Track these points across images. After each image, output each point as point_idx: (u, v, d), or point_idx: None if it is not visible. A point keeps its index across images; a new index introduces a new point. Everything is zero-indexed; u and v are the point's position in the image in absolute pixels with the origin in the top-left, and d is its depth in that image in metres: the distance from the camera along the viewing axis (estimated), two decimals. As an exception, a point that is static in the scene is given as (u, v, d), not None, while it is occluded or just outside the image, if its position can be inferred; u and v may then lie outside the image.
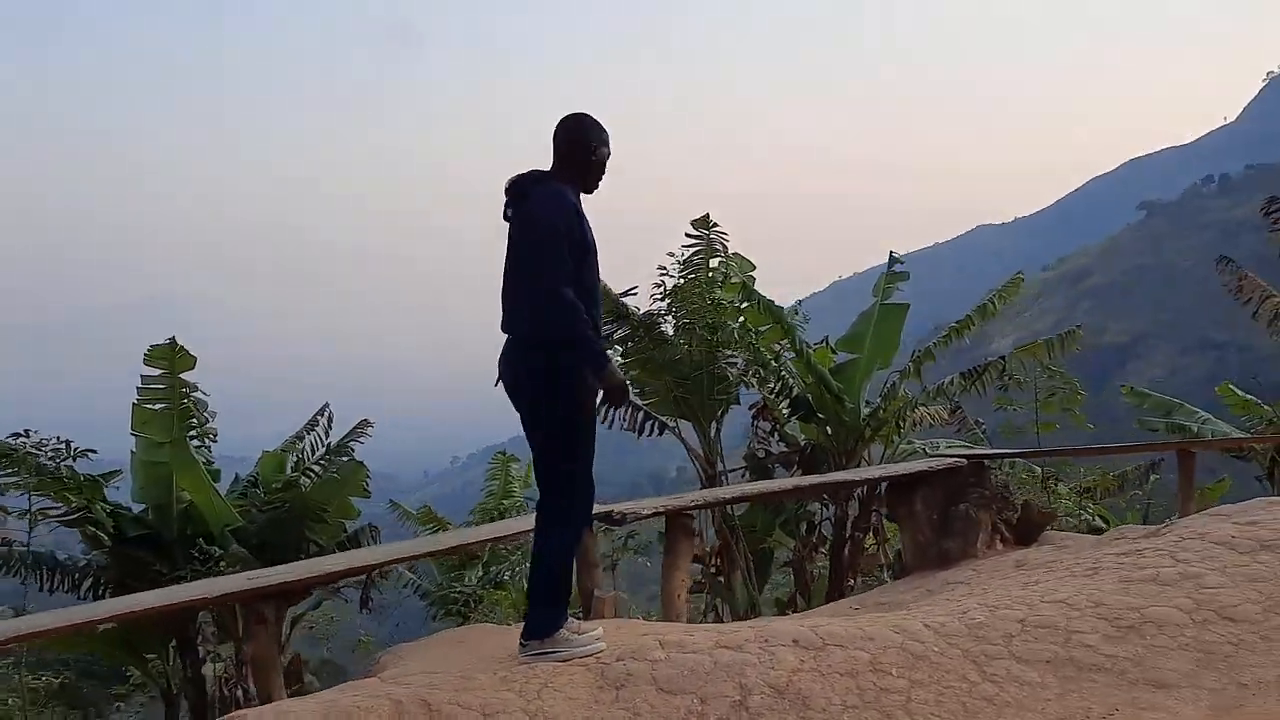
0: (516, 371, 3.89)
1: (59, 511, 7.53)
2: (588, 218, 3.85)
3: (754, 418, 9.93)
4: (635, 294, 8.82)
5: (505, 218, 3.99)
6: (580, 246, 3.72)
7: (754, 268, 9.65)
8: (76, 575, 8.02)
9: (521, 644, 3.97)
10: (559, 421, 3.88)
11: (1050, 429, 8.50)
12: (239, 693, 7.78)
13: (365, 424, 9.08)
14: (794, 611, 8.41)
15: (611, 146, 3.89)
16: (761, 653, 3.77)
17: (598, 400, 3.94)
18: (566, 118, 3.91)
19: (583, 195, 3.88)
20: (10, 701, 9.99)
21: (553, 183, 3.83)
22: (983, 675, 3.65)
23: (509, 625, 5.37)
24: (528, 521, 4.96)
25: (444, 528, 11.92)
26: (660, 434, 9.31)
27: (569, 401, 3.84)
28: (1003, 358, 8.77)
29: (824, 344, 9.58)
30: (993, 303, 8.94)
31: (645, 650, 3.85)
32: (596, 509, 5.31)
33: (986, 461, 6.61)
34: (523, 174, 3.91)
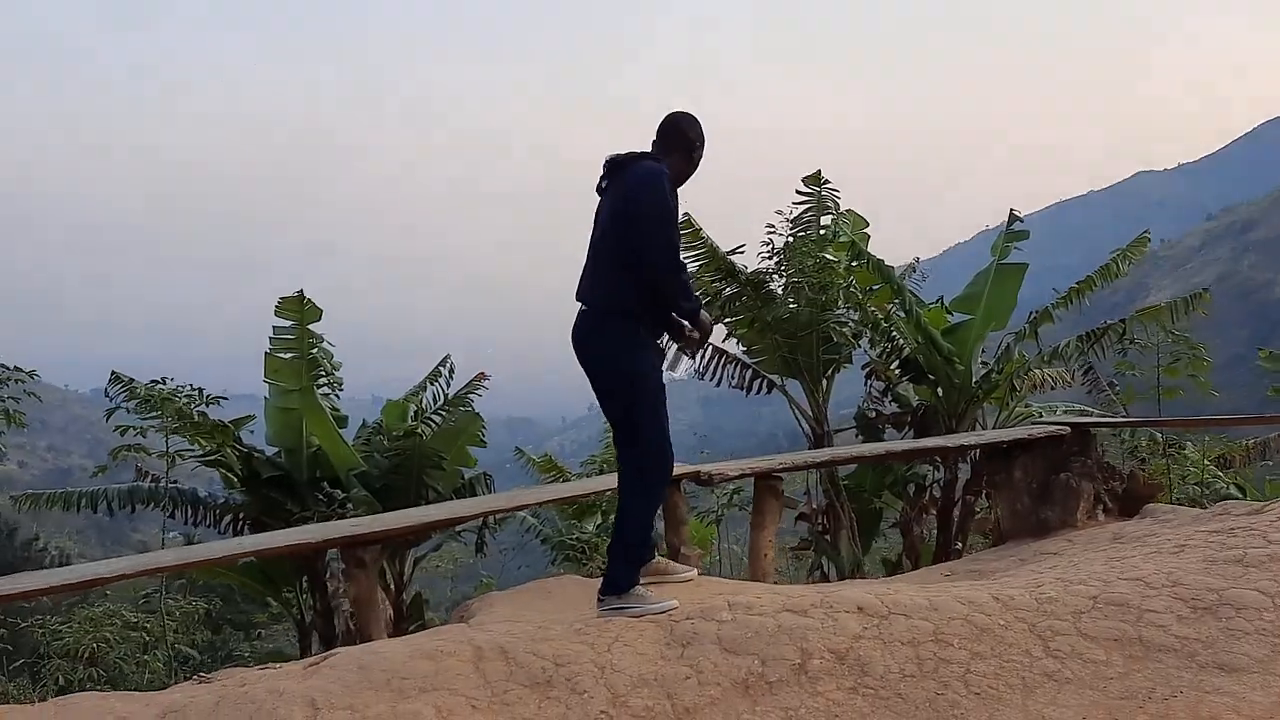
0: (592, 340, 4.06)
1: (199, 452, 8.08)
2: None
3: (866, 377, 9.88)
4: (743, 252, 8.85)
5: (599, 190, 4.19)
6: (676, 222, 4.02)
7: (867, 224, 9.54)
8: (218, 511, 8.59)
9: (599, 598, 4.18)
10: (634, 389, 4.04)
11: (1173, 395, 8.17)
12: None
13: (481, 376, 9.42)
14: (900, 572, 8.41)
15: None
16: (825, 618, 3.86)
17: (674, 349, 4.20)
18: (678, 112, 4.19)
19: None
20: (165, 624, 10.87)
21: (653, 162, 4.02)
22: (1046, 650, 3.66)
23: (596, 579, 5.57)
24: (598, 483, 5.15)
25: (564, 476, 12.24)
26: (769, 391, 9.36)
27: (643, 368, 4.02)
28: (1122, 320, 8.47)
29: (939, 304, 9.42)
30: (1116, 263, 8.62)
31: (713, 611, 3.99)
32: (686, 469, 5.48)
33: (1092, 429, 6.45)
34: (623, 153, 4.14)
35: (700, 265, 8.86)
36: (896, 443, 7.24)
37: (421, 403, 9.50)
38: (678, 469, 5.03)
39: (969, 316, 8.92)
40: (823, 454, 6.09)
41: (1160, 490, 6.43)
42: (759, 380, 9.32)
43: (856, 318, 8.88)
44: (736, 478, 5.68)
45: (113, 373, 7.89)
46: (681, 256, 3.97)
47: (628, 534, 4.15)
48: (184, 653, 11.25)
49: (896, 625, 3.80)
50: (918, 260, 10.47)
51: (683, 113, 4.20)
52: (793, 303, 8.69)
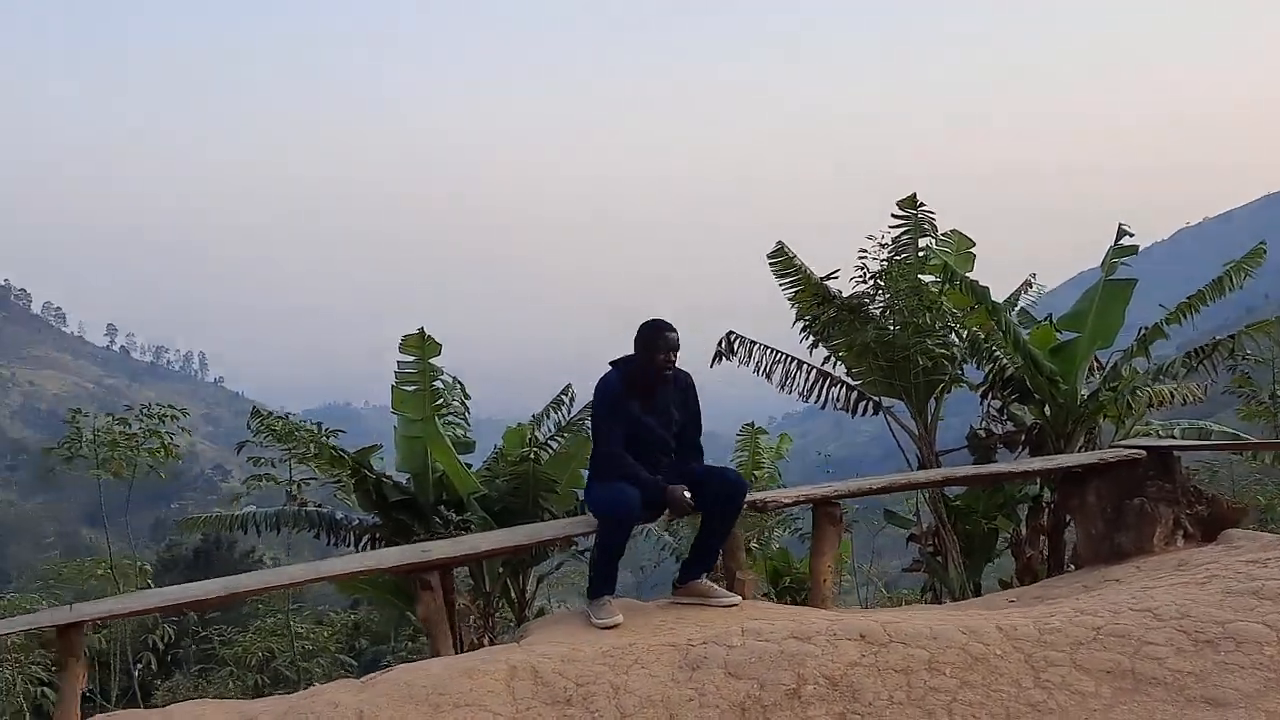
0: None
1: (332, 479, 8.84)
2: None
3: (982, 396, 9.82)
4: (837, 277, 9.00)
5: None
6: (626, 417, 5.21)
7: (973, 244, 9.49)
8: (356, 532, 9.34)
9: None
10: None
11: (1293, 411, 7.82)
12: (485, 639, 8.85)
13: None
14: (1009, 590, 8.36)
15: (667, 346, 5.21)
16: (827, 645, 4.09)
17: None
18: (642, 324, 5.28)
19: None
20: (325, 634, 11.84)
21: (609, 369, 5.32)
22: (1036, 681, 3.78)
23: (653, 602, 5.90)
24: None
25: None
26: (876, 413, 9.45)
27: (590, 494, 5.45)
28: (1232, 336, 8.17)
29: (1047, 322, 9.29)
30: (1230, 276, 8.32)
31: (726, 636, 4.28)
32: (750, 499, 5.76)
33: (1175, 452, 6.33)
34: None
35: (796, 292, 9.06)
36: (957, 469, 7.21)
37: (541, 428, 10.02)
38: None
39: (1076, 335, 8.77)
40: (880, 480, 6.20)
41: (1245, 514, 6.23)
42: (864, 401, 9.43)
43: (958, 340, 8.88)
44: (791, 505, 5.90)
45: (254, 407, 8.74)
46: (613, 444, 5.17)
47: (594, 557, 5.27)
48: (342, 660, 12.21)
49: (894, 653, 3.99)
50: (1033, 277, 10.32)
51: (644, 324, 5.26)
52: (892, 325, 8.78)
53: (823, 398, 9.51)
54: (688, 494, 5.07)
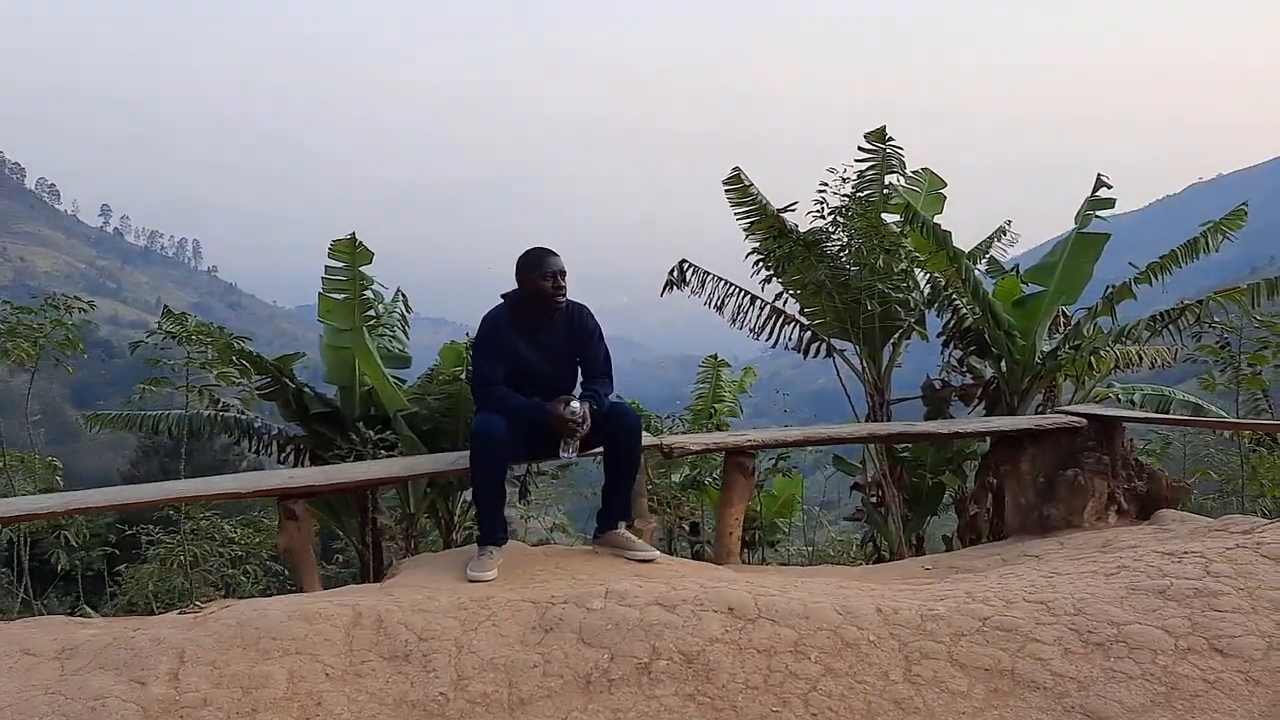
0: None
1: (234, 385, 8.44)
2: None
3: (943, 345, 9.41)
4: (794, 210, 8.49)
5: None
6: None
7: (944, 184, 8.97)
8: (279, 441, 8.99)
9: None
10: None
11: (1257, 384, 7.40)
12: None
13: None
14: (952, 550, 8.07)
15: (550, 268, 4.84)
16: (691, 616, 3.73)
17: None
18: (521, 254, 4.93)
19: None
20: (256, 540, 11.50)
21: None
22: (906, 675, 3.43)
23: (537, 546, 5.57)
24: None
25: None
26: (829, 355, 9.05)
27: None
28: (1199, 301, 7.72)
29: (1014, 273, 8.83)
30: (1206, 238, 7.85)
31: (587, 598, 3.92)
32: (650, 441, 5.38)
33: (1122, 423, 5.93)
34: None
35: (751, 223, 8.58)
36: (882, 426, 6.74)
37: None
38: (646, 440, 5.09)
39: (1041, 289, 8.31)
40: (798, 432, 5.81)
41: (1185, 494, 5.87)
42: (816, 343, 9.01)
43: (918, 285, 8.44)
44: (700, 452, 5.52)
45: (165, 307, 8.30)
46: (487, 376, 4.83)
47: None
48: (272, 567, 11.91)
49: (760, 631, 3.64)
50: (1008, 224, 9.84)
51: (524, 252, 4.92)
52: (850, 265, 8.32)
53: (774, 336, 9.09)
54: (575, 407, 4.68)
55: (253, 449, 9.11)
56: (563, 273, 4.82)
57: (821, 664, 3.48)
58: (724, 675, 3.46)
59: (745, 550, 10.57)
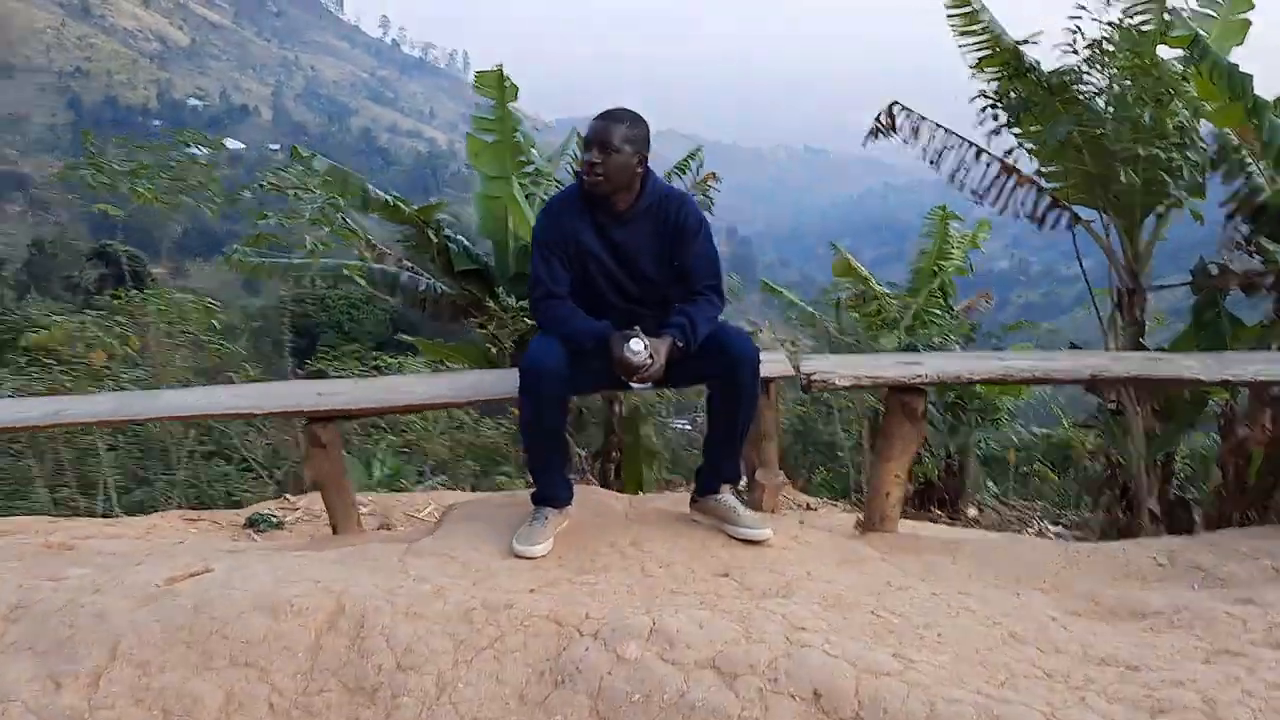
0: None
1: (397, 238, 7.68)
2: None
3: (1227, 217, 7.37)
4: (1037, 42, 6.57)
5: None
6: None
7: (1250, 6, 6.76)
8: (429, 299, 8.23)
9: None
10: None
11: None
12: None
13: (711, 176, 8.15)
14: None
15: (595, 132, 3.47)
16: (753, 701, 2.56)
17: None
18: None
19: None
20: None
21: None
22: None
23: (633, 495, 4.45)
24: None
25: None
26: (1069, 226, 7.24)
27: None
28: None
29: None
30: None
31: (623, 636, 2.85)
32: (780, 369, 4.11)
33: None
34: None
35: (981, 58, 6.75)
36: (1110, 364, 4.74)
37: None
38: (766, 368, 3.73)
39: (1377, 153, 6.14)
40: (982, 365, 4.28)
41: None
42: (1057, 210, 7.21)
43: (1196, 143, 6.45)
44: (848, 388, 4.12)
45: (293, 148, 7.53)
46: (545, 284, 3.57)
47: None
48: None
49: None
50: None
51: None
52: (1109, 115, 6.43)
53: (1003, 200, 7.34)
54: (635, 345, 3.35)
55: (405, 303, 8.39)
56: (602, 144, 3.41)
57: None
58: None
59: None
